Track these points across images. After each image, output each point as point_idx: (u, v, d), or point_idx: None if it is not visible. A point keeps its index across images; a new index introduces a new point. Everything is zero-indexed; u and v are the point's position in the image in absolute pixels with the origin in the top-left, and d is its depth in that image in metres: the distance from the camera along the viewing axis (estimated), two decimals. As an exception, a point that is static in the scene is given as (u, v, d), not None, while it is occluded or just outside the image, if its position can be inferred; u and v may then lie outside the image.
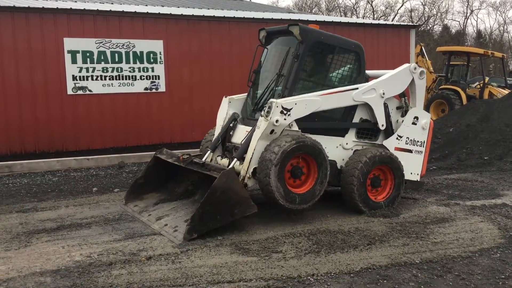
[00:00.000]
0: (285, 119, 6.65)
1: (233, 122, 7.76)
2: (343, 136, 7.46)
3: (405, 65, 7.87)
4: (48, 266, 5.38)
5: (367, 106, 7.51)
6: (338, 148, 7.41)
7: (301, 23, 7.24)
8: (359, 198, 7.13)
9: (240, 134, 7.59)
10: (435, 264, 5.39)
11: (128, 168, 11.42)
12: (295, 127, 6.87)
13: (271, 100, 6.69)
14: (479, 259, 5.51)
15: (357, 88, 7.33)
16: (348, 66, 7.61)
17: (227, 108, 7.93)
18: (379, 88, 7.48)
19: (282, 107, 6.61)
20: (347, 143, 7.46)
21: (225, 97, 8.08)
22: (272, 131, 6.66)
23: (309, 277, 5.03)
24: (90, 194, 9.01)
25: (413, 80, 7.83)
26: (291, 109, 6.67)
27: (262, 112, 6.74)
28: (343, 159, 7.41)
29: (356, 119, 7.53)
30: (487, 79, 20.07)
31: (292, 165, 6.68)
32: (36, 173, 10.95)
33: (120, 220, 7.12)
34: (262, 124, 6.67)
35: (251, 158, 6.62)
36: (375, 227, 6.65)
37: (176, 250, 5.78)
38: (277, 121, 6.58)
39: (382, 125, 7.56)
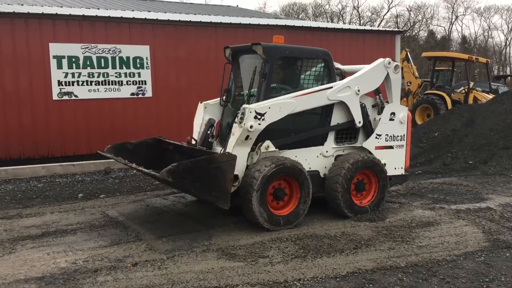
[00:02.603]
0: (259, 124, 6.64)
1: (210, 128, 7.76)
2: (322, 144, 7.46)
3: (380, 60, 7.81)
4: (32, 273, 5.33)
5: (343, 107, 7.48)
6: (319, 158, 7.42)
7: (263, 42, 7.14)
8: (345, 204, 7.16)
9: None
10: (420, 267, 5.43)
11: (114, 173, 11.36)
12: (271, 148, 6.89)
13: (244, 106, 6.68)
14: (464, 263, 5.57)
15: (331, 87, 7.31)
16: (318, 74, 7.59)
17: (203, 114, 7.93)
18: (354, 85, 7.46)
19: (256, 112, 6.60)
20: (327, 151, 7.48)
21: (201, 102, 8.06)
22: (247, 137, 6.65)
23: (295, 282, 5.04)
24: (76, 200, 8.95)
25: (388, 75, 7.80)
26: (265, 113, 6.66)
27: (236, 119, 6.73)
28: (325, 167, 7.44)
29: (333, 124, 7.53)
30: (472, 84, 20.29)
31: (274, 188, 6.74)
32: (21, 179, 10.84)
33: (106, 226, 7.08)
34: (236, 130, 6.65)
35: None
36: (361, 231, 6.68)
37: (162, 256, 5.76)
38: (251, 126, 6.57)
39: (359, 122, 7.54)
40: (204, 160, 6.13)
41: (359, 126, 7.59)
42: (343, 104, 7.46)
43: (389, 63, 7.80)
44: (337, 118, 7.53)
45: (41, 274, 5.28)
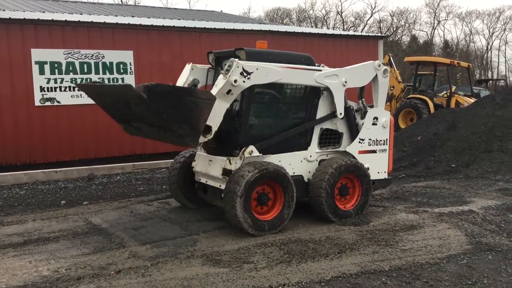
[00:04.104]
0: (244, 81, 6.59)
1: (192, 87, 7.58)
2: (305, 149, 7.48)
3: (370, 61, 7.91)
4: (14, 282, 5.26)
5: (328, 102, 7.50)
6: (302, 162, 7.43)
7: (246, 47, 7.16)
8: (329, 209, 7.19)
9: (203, 162, 7.63)
10: (404, 271, 5.46)
11: (98, 180, 11.26)
12: (255, 153, 6.90)
13: (232, 59, 6.62)
14: (447, 266, 5.61)
15: (320, 71, 7.37)
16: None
17: (188, 74, 7.73)
18: (342, 75, 7.50)
19: (243, 68, 6.56)
20: (311, 156, 7.50)
21: (188, 63, 7.89)
22: (229, 91, 6.56)
23: (280, 287, 5.03)
24: (58, 207, 8.85)
25: (376, 77, 7.88)
26: (251, 72, 6.63)
27: (222, 70, 6.64)
28: (309, 172, 7.45)
29: (316, 129, 7.55)
30: (454, 88, 20.55)
31: (258, 193, 6.74)
32: (3, 186, 10.69)
33: (89, 234, 7.00)
34: (220, 82, 6.56)
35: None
36: (346, 235, 6.71)
37: (146, 263, 5.71)
38: (235, 81, 6.51)
39: (340, 114, 7.55)
40: (184, 89, 5.96)
41: (340, 118, 7.59)
42: (328, 96, 7.48)
43: (379, 65, 7.89)
44: (321, 113, 7.56)
45: (23, 283, 5.21)
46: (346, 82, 7.52)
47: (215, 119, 6.45)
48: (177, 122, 5.87)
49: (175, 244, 6.40)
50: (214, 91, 6.47)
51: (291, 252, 6.03)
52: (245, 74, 6.57)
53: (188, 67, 7.86)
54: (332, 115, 7.58)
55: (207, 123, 6.26)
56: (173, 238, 6.65)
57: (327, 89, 7.44)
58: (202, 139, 6.42)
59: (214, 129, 6.50)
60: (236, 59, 6.59)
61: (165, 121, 5.88)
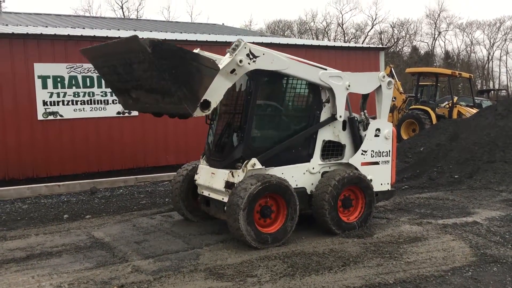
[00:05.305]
0: (249, 63, 6.60)
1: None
2: (308, 161, 7.46)
3: (375, 72, 8.01)
4: (16, 297, 5.24)
5: (329, 125, 7.52)
6: (305, 174, 7.42)
7: None
8: (332, 222, 7.16)
9: (205, 175, 7.62)
10: (409, 284, 5.42)
11: (101, 193, 11.26)
12: (258, 165, 6.90)
13: (240, 39, 6.67)
14: (452, 278, 5.57)
15: (325, 69, 7.39)
16: (303, 91, 7.57)
17: None
18: (346, 79, 7.53)
19: (250, 50, 6.60)
20: (313, 168, 7.48)
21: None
22: (233, 70, 6.55)
23: (284, 301, 5.00)
24: (61, 221, 8.83)
25: (380, 88, 7.91)
26: (258, 56, 6.66)
27: (229, 49, 6.65)
28: (312, 184, 7.43)
29: (319, 141, 7.53)
30: (455, 98, 20.54)
31: (261, 205, 6.73)
32: (6, 200, 10.69)
33: (92, 248, 6.99)
34: (225, 59, 6.57)
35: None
36: (350, 248, 6.67)
37: (149, 277, 5.69)
38: (241, 61, 6.52)
39: (340, 116, 7.53)
40: (189, 53, 5.94)
41: (340, 121, 7.58)
42: (330, 98, 7.48)
43: (384, 76, 7.93)
44: (322, 136, 7.55)
45: (25, 298, 5.19)
46: (349, 86, 7.52)
47: (215, 95, 6.38)
48: (177, 84, 5.85)
49: (178, 258, 6.38)
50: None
51: (295, 265, 6.00)
52: (251, 57, 6.61)
53: None
54: (332, 118, 7.55)
55: (207, 98, 6.21)
56: (176, 252, 6.63)
57: (330, 89, 7.44)
58: (199, 113, 6.27)
59: (213, 105, 6.40)
60: (244, 41, 6.61)
61: (166, 81, 5.83)
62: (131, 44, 5.89)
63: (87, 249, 6.96)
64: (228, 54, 6.60)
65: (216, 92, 6.36)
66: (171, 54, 5.74)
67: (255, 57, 6.64)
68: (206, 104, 6.26)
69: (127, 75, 6.50)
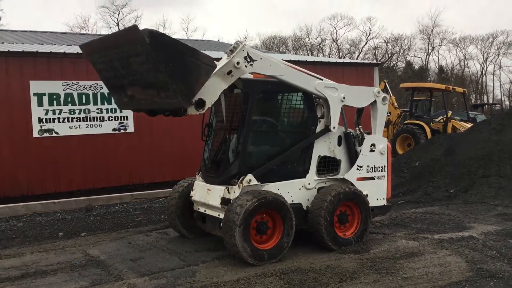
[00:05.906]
0: (246, 66, 6.62)
1: None
2: (304, 176, 7.48)
3: (370, 87, 8.11)
4: (11, 317, 5.19)
5: (325, 141, 7.57)
6: (301, 190, 7.42)
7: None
8: (328, 237, 7.15)
9: (201, 192, 7.61)
10: (406, 300, 5.41)
11: (96, 211, 11.21)
12: (254, 181, 6.91)
13: (238, 41, 6.68)
14: (448, 293, 5.56)
15: (322, 79, 7.43)
16: (298, 107, 7.61)
17: None
18: (341, 91, 7.57)
19: (248, 53, 6.62)
20: (309, 183, 7.49)
21: None
22: (229, 72, 6.56)
23: (280, 318, 4.97)
24: (56, 239, 8.78)
25: (375, 102, 7.97)
26: (255, 60, 6.68)
27: (227, 50, 6.67)
28: (308, 199, 7.44)
29: (314, 157, 7.55)
30: (450, 113, 20.64)
31: (257, 222, 6.72)
32: (0, 218, 10.63)
33: (87, 266, 6.94)
34: (223, 60, 6.59)
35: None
36: (346, 263, 6.66)
37: (145, 295, 5.65)
38: (238, 63, 6.52)
39: (334, 128, 7.55)
40: (188, 48, 5.94)
41: (334, 134, 7.63)
42: (325, 109, 7.52)
43: (379, 92, 8.00)
44: (318, 152, 7.57)
45: (20, 318, 5.14)
46: (344, 98, 7.56)
47: (210, 95, 6.40)
48: (173, 77, 5.85)
49: (173, 275, 6.34)
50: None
51: (291, 282, 5.98)
52: (248, 60, 6.63)
53: None
54: (326, 129, 7.58)
55: (202, 97, 6.24)
56: (171, 269, 6.60)
57: (325, 100, 7.48)
58: (193, 111, 6.27)
59: (208, 105, 6.41)
60: (243, 43, 6.65)
61: (162, 73, 5.82)
62: (130, 34, 5.93)
63: (82, 267, 6.91)
64: (225, 56, 6.64)
65: (211, 92, 6.41)
66: (169, 46, 5.79)
67: (253, 60, 6.67)
68: (201, 103, 6.30)
69: (123, 69, 6.50)
